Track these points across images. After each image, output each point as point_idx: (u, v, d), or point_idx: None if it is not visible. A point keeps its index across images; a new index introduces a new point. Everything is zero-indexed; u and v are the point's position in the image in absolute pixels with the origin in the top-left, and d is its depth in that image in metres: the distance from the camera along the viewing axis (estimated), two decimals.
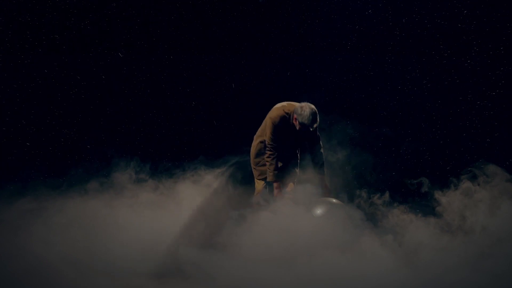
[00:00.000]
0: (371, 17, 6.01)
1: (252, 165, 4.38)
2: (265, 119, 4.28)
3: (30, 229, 3.84)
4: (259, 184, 4.34)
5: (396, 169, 5.92)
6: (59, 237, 3.79)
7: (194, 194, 4.56)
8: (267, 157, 4.16)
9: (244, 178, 4.81)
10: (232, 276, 3.47)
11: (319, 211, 3.91)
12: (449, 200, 4.05)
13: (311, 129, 4.00)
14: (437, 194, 4.17)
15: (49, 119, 5.77)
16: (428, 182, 4.53)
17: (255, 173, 4.36)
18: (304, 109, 3.97)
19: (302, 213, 3.88)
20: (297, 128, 4.04)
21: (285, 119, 4.09)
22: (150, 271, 3.68)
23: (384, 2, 5.89)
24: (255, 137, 4.37)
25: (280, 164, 4.17)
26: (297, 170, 4.38)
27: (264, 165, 4.25)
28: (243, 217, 3.98)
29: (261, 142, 4.27)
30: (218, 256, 3.69)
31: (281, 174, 4.20)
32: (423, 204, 4.34)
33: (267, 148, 4.16)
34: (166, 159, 5.58)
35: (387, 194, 4.48)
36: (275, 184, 4.19)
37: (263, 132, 4.25)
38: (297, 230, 3.74)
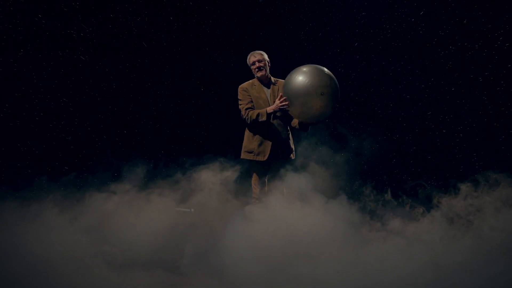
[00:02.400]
0: (372, 17, 5.99)
1: (242, 154, 4.43)
2: None
3: (30, 229, 3.84)
4: (255, 188, 4.37)
5: (399, 170, 5.93)
6: (59, 237, 3.79)
7: (195, 192, 4.58)
8: (244, 117, 4.30)
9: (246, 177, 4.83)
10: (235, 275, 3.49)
11: (300, 77, 3.98)
12: (451, 202, 4.04)
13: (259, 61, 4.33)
14: (439, 197, 4.16)
15: (60, 118, 5.82)
16: (427, 185, 4.52)
17: (249, 162, 4.43)
18: None
19: (301, 212, 3.88)
20: (258, 74, 4.35)
21: (251, 83, 4.42)
22: (153, 268, 3.72)
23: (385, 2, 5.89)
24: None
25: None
26: (291, 144, 4.46)
27: (251, 152, 4.33)
28: (243, 216, 3.99)
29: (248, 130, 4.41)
30: (221, 255, 3.70)
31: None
32: (425, 206, 4.33)
33: (241, 114, 4.35)
34: (171, 157, 5.63)
35: (388, 194, 4.48)
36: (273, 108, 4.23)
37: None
38: (297, 228, 3.74)
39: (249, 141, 4.37)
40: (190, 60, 6.10)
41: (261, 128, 4.30)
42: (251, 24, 6.09)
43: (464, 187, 4.05)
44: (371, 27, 6.00)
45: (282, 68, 4.44)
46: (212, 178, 4.48)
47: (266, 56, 4.41)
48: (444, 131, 5.91)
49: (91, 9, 5.77)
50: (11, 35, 5.65)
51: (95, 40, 5.86)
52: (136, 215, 4.28)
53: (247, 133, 4.40)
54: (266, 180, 4.36)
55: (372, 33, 6.01)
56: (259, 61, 4.35)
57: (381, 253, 3.63)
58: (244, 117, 4.31)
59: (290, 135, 4.47)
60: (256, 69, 4.36)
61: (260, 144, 4.32)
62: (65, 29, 5.77)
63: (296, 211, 3.89)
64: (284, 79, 4.28)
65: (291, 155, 4.45)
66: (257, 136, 4.34)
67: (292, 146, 4.48)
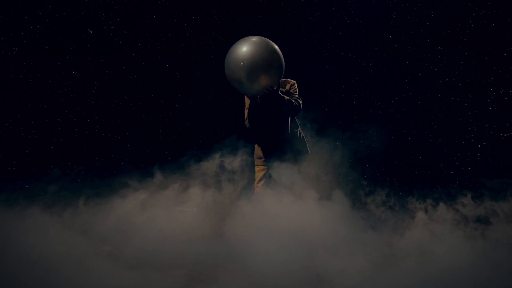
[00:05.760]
0: (373, 16, 6.00)
1: (255, 161, 4.50)
2: None
3: (29, 229, 3.83)
4: (257, 188, 4.40)
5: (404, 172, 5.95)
6: (58, 236, 3.79)
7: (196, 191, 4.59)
8: (245, 123, 4.33)
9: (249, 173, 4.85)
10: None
11: (244, 48, 3.90)
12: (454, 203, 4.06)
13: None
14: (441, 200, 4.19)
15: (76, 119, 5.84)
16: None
17: (256, 170, 4.48)
18: None
19: (299, 212, 3.90)
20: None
21: None
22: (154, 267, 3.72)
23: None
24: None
25: None
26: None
27: (260, 158, 4.37)
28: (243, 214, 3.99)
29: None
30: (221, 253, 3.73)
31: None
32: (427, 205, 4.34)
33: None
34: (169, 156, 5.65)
35: (390, 196, 4.50)
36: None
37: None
38: (295, 228, 3.75)
39: (257, 148, 4.43)
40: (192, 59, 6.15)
41: (264, 133, 4.35)
42: (251, 23, 6.11)
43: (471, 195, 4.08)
44: (375, 26, 6.02)
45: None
46: (216, 175, 4.52)
47: None
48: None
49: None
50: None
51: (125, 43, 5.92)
52: (139, 214, 4.29)
53: (256, 142, 4.46)
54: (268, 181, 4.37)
55: (376, 32, 6.03)
56: None
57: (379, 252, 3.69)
58: (245, 123, 4.38)
59: (298, 135, 4.45)
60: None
61: (265, 149, 4.37)
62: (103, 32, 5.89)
63: (298, 209, 3.90)
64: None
65: (302, 155, 4.43)
66: (261, 142, 4.39)
67: (301, 146, 4.45)
